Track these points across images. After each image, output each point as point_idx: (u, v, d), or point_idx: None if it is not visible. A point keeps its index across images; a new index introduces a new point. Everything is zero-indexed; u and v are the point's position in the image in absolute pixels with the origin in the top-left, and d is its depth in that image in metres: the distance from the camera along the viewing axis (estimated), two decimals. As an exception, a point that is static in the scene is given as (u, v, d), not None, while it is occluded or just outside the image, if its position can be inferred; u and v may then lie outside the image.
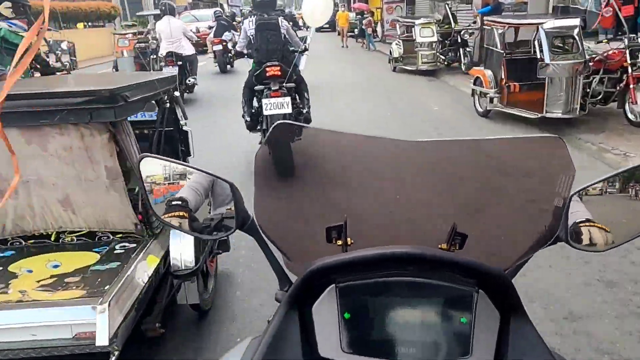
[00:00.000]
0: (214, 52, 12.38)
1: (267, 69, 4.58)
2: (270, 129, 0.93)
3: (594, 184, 0.86)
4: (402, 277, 0.70)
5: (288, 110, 4.49)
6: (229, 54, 12.39)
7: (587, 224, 0.87)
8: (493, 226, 0.97)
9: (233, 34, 12.55)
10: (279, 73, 4.58)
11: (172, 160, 0.93)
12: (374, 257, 0.70)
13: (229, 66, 12.74)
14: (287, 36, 4.95)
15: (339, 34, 21.55)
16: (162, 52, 8.58)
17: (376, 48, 18.26)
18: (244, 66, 13.11)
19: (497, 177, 0.98)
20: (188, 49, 8.81)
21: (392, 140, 0.94)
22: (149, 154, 0.94)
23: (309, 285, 0.72)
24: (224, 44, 12.22)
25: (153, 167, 0.92)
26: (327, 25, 24.88)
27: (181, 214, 0.90)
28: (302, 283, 0.72)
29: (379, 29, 20.53)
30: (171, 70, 7.80)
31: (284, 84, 4.58)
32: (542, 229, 0.89)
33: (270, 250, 0.91)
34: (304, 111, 4.98)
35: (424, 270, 0.70)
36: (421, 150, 0.97)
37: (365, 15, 19.59)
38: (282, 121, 0.95)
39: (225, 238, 2.39)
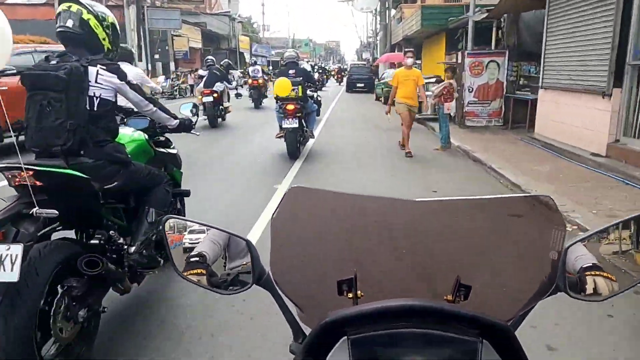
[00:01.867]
0: (204, 103, 11.02)
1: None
2: (285, 194, 0.99)
3: (590, 235, 0.92)
4: (411, 328, 0.72)
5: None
6: (220, 106, 11.64)
7: (592, 272, 0.90)
8: (495, 278, 1.01)
9: (225, 85, 11.94)
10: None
11: (193, 220, 1.01)
12: (383, 309, 0.72)
13: (220, 119, 11.84)
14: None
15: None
16: None
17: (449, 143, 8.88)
18: (236, 118, 12.55)
19: (496, 232, 1.02)
20: None
21: (397, 200, 1.03)
22: (172, 215, 1.04)
23: (322, 337, 0.74)
24: (215, 95, 11.22)
25: (175, 227, 1.01)
26: (363, 85, 25.54)
27: (200, 270, 0.96)
28: (315, 336, 0.75)
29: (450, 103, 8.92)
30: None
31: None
32: (541, 280, 0.93)
33: (284, 304, 0.96)
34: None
35: (431, 322, 0.72)
36: (424, 209, 1.03)
37: (431, 80, 11.65)
38: (295, 186, 1.01)
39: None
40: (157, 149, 3.11)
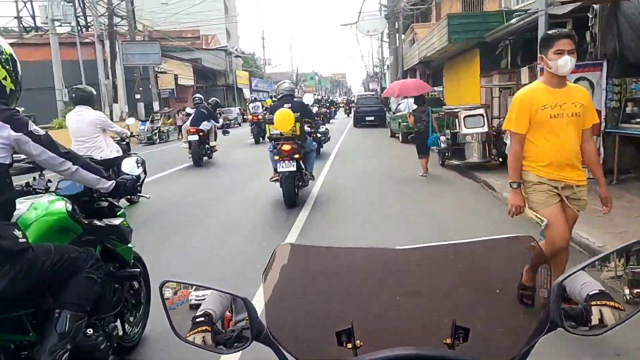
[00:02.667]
0: (189, 142, 10.91)
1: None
2: (274, 251, 1.02)
3: (577, 271, 0.89)
4: None
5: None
6: (207, 145, 11.38)
7: (599, 301, 0.87)
8: (492, 318, 1.00)
9: (213, 124, 11.62)
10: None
11: (191, 283, 1.02)
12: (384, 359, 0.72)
13: (205, 158, 11.51)
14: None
15: None
16: None
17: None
18: (236, 155, 12.52)
19: (484, 273, 1.04)
20: (108, 151, 6.13)
21: (387, 250, 1.06)
22: (169, 279, 1.03)
23: None
24: (201, 134, 11.01)
25: (173, 291, 1.02)
26: (373, 118, 22.60)
27: (205, 328, 0.96)
28: None
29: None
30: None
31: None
32: (537, 317, 0.91)
33: (285, 358, 0.94)
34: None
35: None
36: (413, 256, 1.04)
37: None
38: (283, 243, 1.04)
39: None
40: (91, 221, 2.37)
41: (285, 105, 6.68)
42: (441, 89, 19.63)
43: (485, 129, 8.60)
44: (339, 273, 1.07)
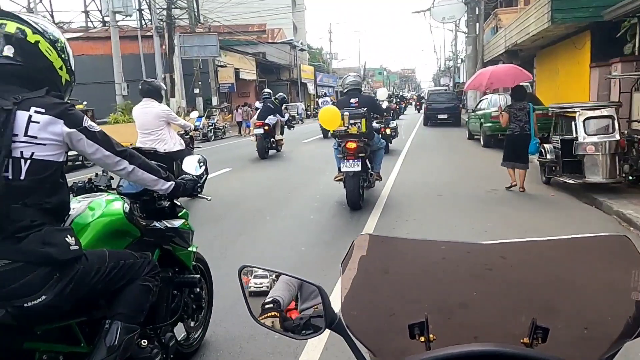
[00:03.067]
0: (255, 135, 11.35)
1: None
2: (353, 241, 1.03)
3: None
4: None
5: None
6: (272, 139, 11.70)
7: None
8: (574, 320, 0.95)
9: (279, 118, 11.93)
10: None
11: (267, 268, 1.07)
12: (458, 355, 0.71)
13: (271, 151, 11.90)
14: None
15: None
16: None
17: None
18: (305, 147, 12.79)
19: (570, 272, 0.99)
20: (172, 143, 6.15)
21: (468, 244, 1.05)
22: (247, 264, 1.07)
23: None
24: (267, 127, 11.29)
25: (252, 274, 1.10)
26: (447, 116, 20.30)
27: (274, 314, 1.03)
28: None
29: None
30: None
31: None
32: (625, 321, 0.88)
33: (357, 347, 0.93)
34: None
35: None
36: (493, 252, 1.03)
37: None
38: (362, 234, 1.05)
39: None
40: (150, 223, 2.17)
41: (352, 100, 6.30)
42: (530, 82, 16.71)
43: (616, 136, 6.16)
44: (416, 265, 1.07)
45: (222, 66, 24.62)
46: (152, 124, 6.00)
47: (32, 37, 1.64)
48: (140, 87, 6.18)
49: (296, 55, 37.80)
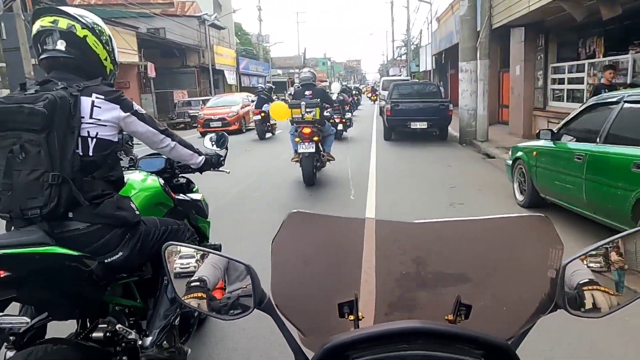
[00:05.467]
0: (255, 121, 14.59)
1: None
2: (285, 218, 1.01)
3: (588, 252, 0.92)
4: (413, 350, 0.73)
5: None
6: (267, 124, 14.40)
7: (590, 286, 0.90)
8: (495, 297, 1.01)
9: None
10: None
11: (192, 246, 1.06)
12: (386, 332, 0.73)
13: (268, 134, 14.69)
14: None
15: None
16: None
17: None
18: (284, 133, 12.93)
19: (493, 251, 1.04)
20: None
21: (394, 223, 1.03)
22: (172, 242, 1.05)
23: None
24: (263, 114, 13.81)
25: (176, 254, 1.03)
26: (430, 124, 12.10)
27: (200, 294, 0.97)
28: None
29: None
30: None
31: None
32: (541, 297, 0.94)
33: (286, 327, 0.94)
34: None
35: (434, 344, 0.73)
36: (421, 230, 1.04)
37: None
38: (295, 210, 1.02)
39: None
40: (177, 196, 2.50)
41: (307, 93, 7.72)
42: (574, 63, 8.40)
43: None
44: (347, 244, 1.06)
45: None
46: None
47: (80, 32, 1.81)
48: None
49: (209, 34, 27.83)
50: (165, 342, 1.95)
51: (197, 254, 1.01)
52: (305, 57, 61.23)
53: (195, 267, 0.99)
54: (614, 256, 0.91)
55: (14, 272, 1.48)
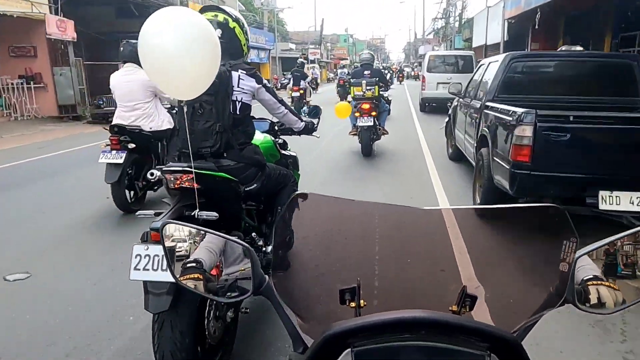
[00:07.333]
0: (292, 97, 14.23)
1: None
2: (289, 200, 1.00)
3: (599, 247, 0.88)
4: (417, 341, 0.71)
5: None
6: (304, 100, 14.51)
7: (595, 282, 0.87)
8: (501, 288, 0.99)
9: (306, 83, 15.03)
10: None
11: (190, 225, 1.00)
12: (389, 321, 0.71)
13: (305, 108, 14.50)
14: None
15: None
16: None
17: None
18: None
19: (503, 242, 1.02)
20: (159, 121, 5.11)
21: (404, 208, 1.00)
22: (170, 220, 1.03)
23: (325, 348, 0.73)
24: (302, 91, 14.31)
25: (173, 232, 1.00)
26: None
27: (196, 275, 0.96)
28: (318, 347, 0.74)
29: None
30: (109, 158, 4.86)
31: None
32: (549, 291, 0.90)
33: (284, 312, 0.92)
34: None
35: (438, 334, 0.71)
36: (431, 217, 1.02)
37: None
38: (299, 192, 1.03)
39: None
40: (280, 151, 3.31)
41: (366, 72, 8.29)
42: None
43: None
44: (353, 228, 1.03)
45: None
46: (137, 95, 4.97)
47: (231, 24, 2.53)
48: (121, 49, 5.11)
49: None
50: None
51: (194, 233, 0.98)
52: (323, 31, 52.41)
53: (192, 246, 0.97)
54: (623, 253, 0.87)
55: (204, 185, 2.12)
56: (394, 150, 8.72)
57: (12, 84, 14.25)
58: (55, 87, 15.07)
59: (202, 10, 2.44)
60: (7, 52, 14.64)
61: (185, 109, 2.25)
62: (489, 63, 5.83)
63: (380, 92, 8.18)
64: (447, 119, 7.96)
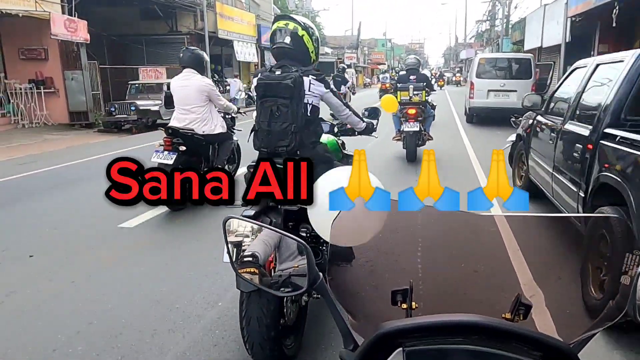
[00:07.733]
0: None
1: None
2: None
3: None
4: (467, 345, 0.71)
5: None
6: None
7: None
8: (558, 299, 0.96)
9: (347, 88, 15.97)
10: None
11: (250, 220, 1.04)
12: (443, 324, 0.72)
13: None
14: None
15: None
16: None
17: None
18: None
19: (563, 251, 0.98)
20: (212, 125, 5.46)
21: (459, 213, 0.99)
22: (233, 215, 1.05)
23: (377, 347, 0.74)
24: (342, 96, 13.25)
25: (235, 227, 1.06)
26: None
27: (252, 270, 1.04)
28: (370, 345, 0.75)
29: None
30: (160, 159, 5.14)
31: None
32: (610, 304, 0.87)
33: (337, 310, 0.92)
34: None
35: (489, 340, 0.71)
36: (487, 223, 1.01)
37: None
38: None
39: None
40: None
41: (412, 77, 8.36)
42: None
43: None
44: (409, 230, 1.04)
45: None
46: (193, 100, 5.30)
47: (301, 32, 2.76)
48: (180, 55, 5.50)
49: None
50: None
51: (253, 228, 1.04)
52: (360, 34, 50.76)
53: (251, 241, 1.02)
54: None
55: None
56: (439, 158, 7.56)
57: (21, 88, 13.57)
58: (67, 93, 14.37)
59: (276, 19, 2.82)
60: (17, 55, 14.15)
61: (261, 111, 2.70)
62: (597, 65, 3.81)
63: (426, 97, 8.22)
64: (511, 139, 5.87)
